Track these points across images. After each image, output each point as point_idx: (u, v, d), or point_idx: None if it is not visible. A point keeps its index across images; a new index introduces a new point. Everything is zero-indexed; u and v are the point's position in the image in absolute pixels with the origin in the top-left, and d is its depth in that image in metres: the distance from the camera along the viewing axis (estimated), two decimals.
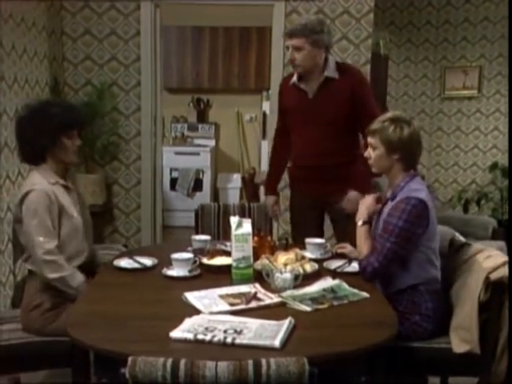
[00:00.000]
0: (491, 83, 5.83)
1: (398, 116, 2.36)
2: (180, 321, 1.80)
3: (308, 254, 2.55)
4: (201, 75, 6.70)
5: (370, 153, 2.37)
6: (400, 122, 2.31)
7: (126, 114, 4.44)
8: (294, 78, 3.06)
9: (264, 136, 6.47)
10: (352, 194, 2.98)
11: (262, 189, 5.66)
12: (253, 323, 1.80)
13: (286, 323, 1.77)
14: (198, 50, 6.61)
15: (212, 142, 6.93)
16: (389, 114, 2.39)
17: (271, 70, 4.44)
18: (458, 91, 5.90)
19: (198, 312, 1.90)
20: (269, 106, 4.84)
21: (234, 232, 2.27)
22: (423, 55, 5.92)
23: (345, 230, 2.90)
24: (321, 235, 2.99)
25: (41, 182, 2.34)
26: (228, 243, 2.61)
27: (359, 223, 2.44)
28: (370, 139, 2.37)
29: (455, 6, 5.80)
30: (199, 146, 6.79)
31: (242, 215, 3.07)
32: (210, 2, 4.42)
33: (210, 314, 1.88)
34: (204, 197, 6.48)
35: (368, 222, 2.44)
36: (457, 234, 2.63)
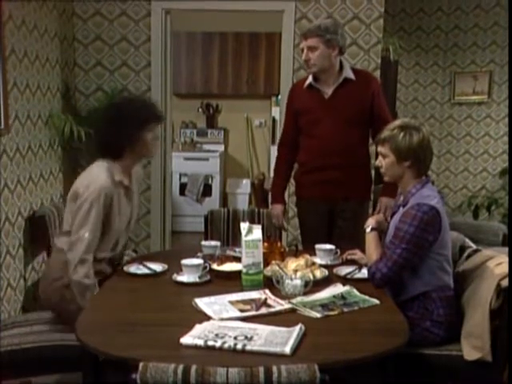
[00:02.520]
0: (501, 88, 5.80)
1: (406, 123, 2.35)
2: (190, 327, 1.81)
3: (318, 260, 2.55)
4: (210, 81, 6.72)
5: (380, 161, 2.38)
6: (409, 129, 2.30)
7: None
8: (310, 79, 3.07)
9: (273, 141, 6.48)
10: (385, 200, 3.01)
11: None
12: (263, 330, 1.80)
13: (297, 330, 1.77)
14: (208, 55, 6.64)
15: (221, 148, 6.94)
16: (397, 122, 2.39)
17: (281, 75, 4.45)
18: (467, 96, 5.88)
19: (208, 318, 1.91)
20: (278, 112, 4.84)
21: (244, 238, 2.27)
22: (433, 60, 5.91)
23: (351, 239, 2.91)
24: (331, 241, 2.99)
25: (106, 178, 2.38)
26: (238, 249, 2.61)
27: (367, 230, 2.44)
28: (379, 148, 2.37)
29: (465, 11, 5.79)
30: (208, 151, 6.80)
31: (252, 221, 3.08)
32: (220, 8, 4.43)
33: (221, 321, 1.88)
34: (213, 202, 6.50)
35: (376, 228, 2.45)
36: (467, 241, 2.62)
